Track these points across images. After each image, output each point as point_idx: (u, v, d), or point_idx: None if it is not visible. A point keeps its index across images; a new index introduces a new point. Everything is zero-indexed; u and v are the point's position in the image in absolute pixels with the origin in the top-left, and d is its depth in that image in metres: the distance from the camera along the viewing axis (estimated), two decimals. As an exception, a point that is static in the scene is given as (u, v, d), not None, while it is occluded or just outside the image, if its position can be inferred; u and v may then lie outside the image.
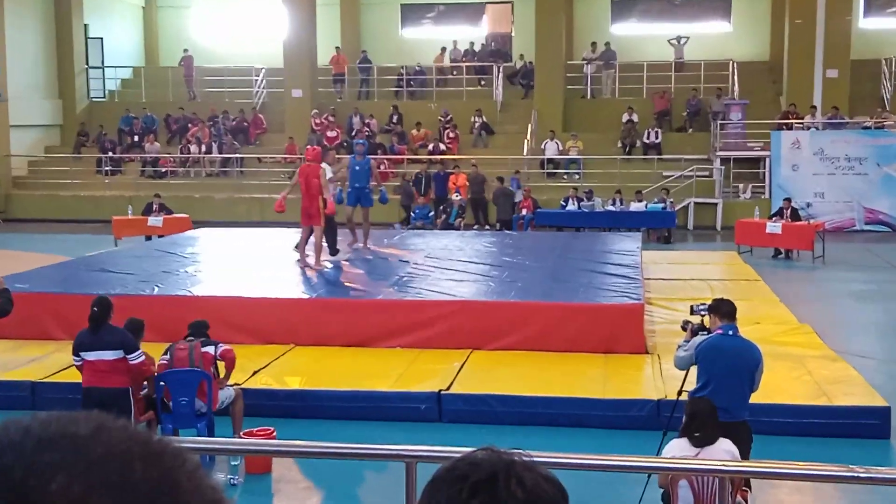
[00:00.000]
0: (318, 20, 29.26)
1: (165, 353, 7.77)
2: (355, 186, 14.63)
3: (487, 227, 23.31)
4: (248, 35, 33.63)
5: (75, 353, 7.64)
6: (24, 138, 28.77)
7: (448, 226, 22.12)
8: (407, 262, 13.90)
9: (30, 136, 29.14)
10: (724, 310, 6.51)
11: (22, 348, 10.48)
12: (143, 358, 7.54)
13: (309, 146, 13.58)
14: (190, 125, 28.96)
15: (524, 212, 22.41)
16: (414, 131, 27.88)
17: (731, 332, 6.42)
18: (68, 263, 14.44)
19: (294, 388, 9.19)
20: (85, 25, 30.92)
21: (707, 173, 24.78)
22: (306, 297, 11.29)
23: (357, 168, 14.43)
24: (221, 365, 7.98)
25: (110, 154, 28.20)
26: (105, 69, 32.37)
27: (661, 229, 22.04)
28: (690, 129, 26.88)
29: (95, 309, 7.60)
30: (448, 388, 8.89)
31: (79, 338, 7.68)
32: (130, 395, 7.56)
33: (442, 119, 28.04)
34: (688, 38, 29.78)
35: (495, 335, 10.38)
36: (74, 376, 8.18)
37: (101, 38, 32.19)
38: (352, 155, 15.18)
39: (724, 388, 6.25)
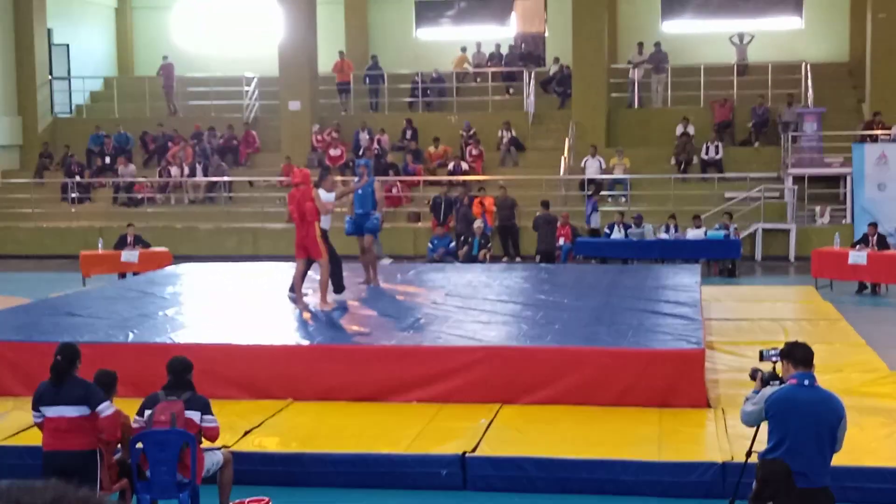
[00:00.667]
0: (319, 21, 29.54)
1: (140, 413, 7.78)
2: (357, 213, 14.71)
3: (518, 258, 23.33)
4: (237, 39, 34.00)
5: (35, 407, 7.69)
6: (-22, 161, 29.11)
7: (472, 258, 22.14)
8: (425, 301, 13.89)
9: (-16, 158, 29.48)
10: (798, 355, 6.48)
11: (-25, 406, 10.52)
12: (113, 409, 7.57)
13: (295, 167, 13.72)
14: (170, 144, 29.22)
15: (562, 241, 22.43)
16: (431, 148, 28.01)
17: (807, 382, 6.37)
18: (28, 306, 14.51)
19: (292, 451, 9.17)
20: (48, 30, 31.34)
21: (777, 194, 24.74)
22: (306, 343, 11.30)
23: (360, 192, 14.54)
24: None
25: (77, 178, 28.46)
26: (71, 80, 32.77)
27: (724, 261, 21.98)
28: (757, 143, 26.88)
29: (59, 357, 7.65)
30: (474, 450, 8.85)
31: (39, 390, 7.74)
32: (98, 458, 7.57)
33: (464, 134, 28.17)
34: (752, 36, 29.86)
35: (529, 387, 10.34)
36: (37, 438, 8.21)
37: (67, 45, 32.61)
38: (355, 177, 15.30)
39: (800, 448, 6.20)
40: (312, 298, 13.59)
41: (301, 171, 13.45)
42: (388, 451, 8.94)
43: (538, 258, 21.34)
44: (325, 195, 13.59)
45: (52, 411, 7.57)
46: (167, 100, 31.63)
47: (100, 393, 7.59)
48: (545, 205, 22.70)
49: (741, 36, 29.84)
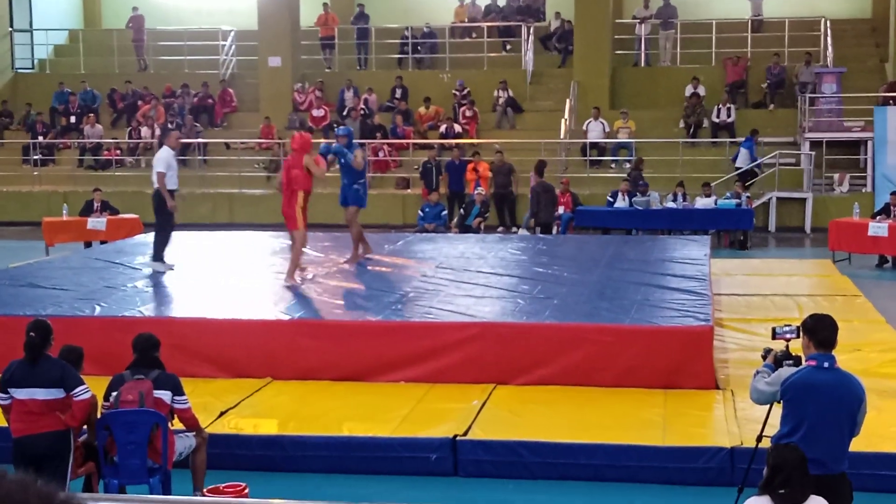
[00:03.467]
0: (302, -30, 29.37)
1: (107, 398, 7.76)
2: (343, 183, 14.60)
3: (515, 229, 23.31)
4: (213, -11, 33.79)
5: (2, 388, 7.64)
6: (-67, 120, 28.96)
7: (465, 228, 22.12)
8: (414, 273, 13.90)
9: (-60, 117, 29.34)
10: (821, 336, 6.46)
11: (-71, 384, 10.50)
12: (90, 394, 7.55)
13: (297, 133, 13.74)
14: (140, 102, 29.12)
15: (561, 210, 22.38)
16: (422, 109, 27.95)
17: (826, 365, 6.38)
18: (-12, 277, 14.49)
19: (271, 434, 9.19)
20: (9, -22, 31.12)
21: (793, 160, 24.74)
22: (286, 318, 11.30)
23: (342, 161, 14.44)
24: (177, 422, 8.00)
25: (40, 139, 28.34)
26: (34, 33, 32.58)
27: (736, 232, 22.01)
28: (772, 105, 26.86)
29: (32, 334, 7.59)
30: (465, 434, 8.87)
31: (9, 370, 7.67)
32: (71, 439, 7.57)
33: (457, 93, 28.10)
34: (768, -11, 29.76)
35: (525, 366, 10.36)
36: (-2, 420, 8.21)
37: (29, -6, 32.41)
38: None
39: (818, 434, 6.21)
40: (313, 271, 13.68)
41: (300, 136, 13.43)
42: (374, 435, 8.97)
43: (538, 230, 21.12)
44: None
45: (22, 393, 7.50)
46: (137, 55, 31.48)
47: (76, 375, 7.55)
48: (539, 171, 21.49)
49: (756, -11, 29.74)
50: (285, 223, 13.43)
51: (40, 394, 7.44)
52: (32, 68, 32.60)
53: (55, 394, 7.46)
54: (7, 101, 30.27)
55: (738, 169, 24.02)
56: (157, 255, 14.26)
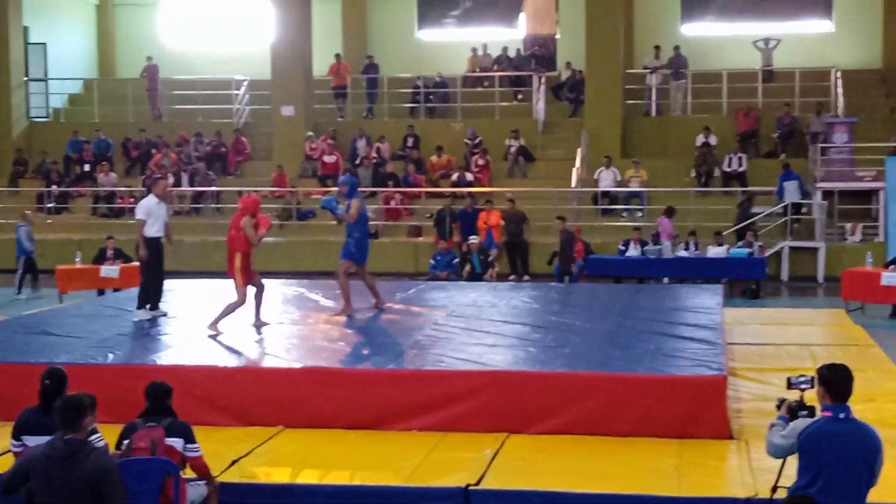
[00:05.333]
0: (315, 20, 29.67)
1: (118, 446, 7.74)
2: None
3: (526, 277, 23.33)
4: (227, 39, 34.11)
5: (16, 436, 7.61)
6: (-52, 168, 29.13)
7: (476, 276, 22.14)
8: (426, 321, 13.87)
9: (-45, 165, 29.52)
10: (838, 390, 6.43)
11: (-59, 431, 10.50)
12: (103, 442, 7.53)
13: (245, 194, 13.85)
14: (154, 151, 29.28)
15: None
16: (434, 157, 28.05)
17: (842, 416, 6.35)
18: (1, 324, 14.51)
19: (283, 482, 9.14)
20: (24, 28, 31.43)
21: (805, 210, 24.72)
22: (298, 366, 11.28)
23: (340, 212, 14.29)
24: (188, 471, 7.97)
25: (54, 187, 28.49)
26: (49, 82, 32.84)
27: (748, 281, 21.97)
28: (783, 155, 26.89)
29: (47, 382, 7.57)
30: (478, 483, 8.82)
31: (23, 417, 7.64)
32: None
33: (469, 142, 28.21)
34: (779, 40, 29.92)
35: (537, 415, 10.30)
36: (8, 466, 8.17)
37: (45, 44, 32.72)
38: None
39: (835, 485, 6.17)
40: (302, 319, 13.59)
41: (247, 197, 13.49)
42: (386, 483, 8.91)
43: (567, 279, 21.37)
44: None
45: (35, 441, 7.47)
46: (151, 103, 31.70)
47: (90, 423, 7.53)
48: (563, 219, 22.54)
49: (767, 40, 29.90)
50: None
51: None
52: (47, 117, 32.84)
53: None
54: (22, 149, 30.44)
55: (784, 204, 24.05)
56: (140, 303, 14.32)
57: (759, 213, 24.26)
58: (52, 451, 6.75)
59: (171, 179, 27.99)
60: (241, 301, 13.24)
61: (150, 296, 14.37)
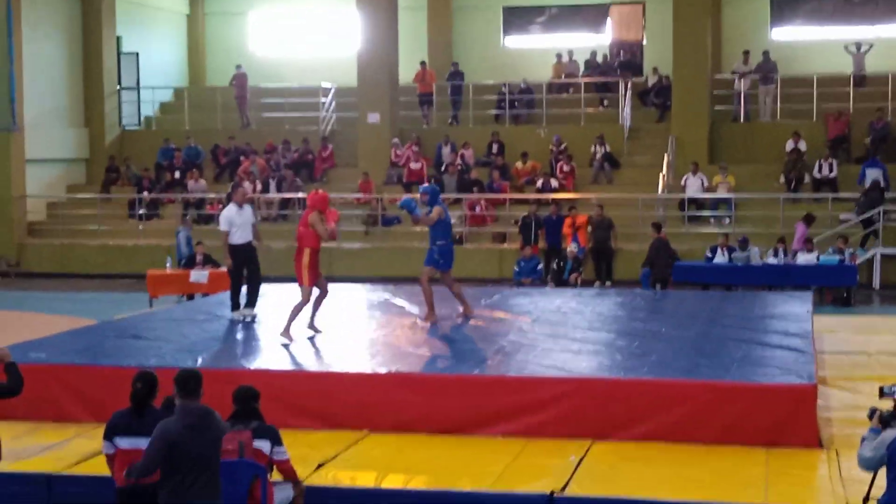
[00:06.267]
0: (401, 28, 29.80)
1: (109, 436, 7.80)
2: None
3: (609, 283, 23.23)
4: (314, 47, 34.44)
5: (108, 437, 7.72)
6: (43, 175, 29.81)
7: (562, 282, 22.08)
8: (510, 328, 13.87)
9: (49, 172, 30.20)
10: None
11: (35, 433, 10.71)
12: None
13: (312, 190, 13.97)
14: (242, 158, 29.62)
15: (659, 265, 22.26)
16: (519, 164, 28.03)
17: (934, 424, 6.24)
18: (93, 328, 14.78)
19: (368, 486, 9.19)
20: (117, 38, 32.06)
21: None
22: (383, 371, 11.34)
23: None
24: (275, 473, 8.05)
25: (146, 194, 28.97)
26: (140, 91, 33.43)
27: (839, 288, 21.63)
28: (884, 184, 26.33)
29: (139, 385, 7.69)
30: (563, 490, 8.79)
31: (115, 418, 7.75)
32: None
33: (554, 148, 28.14)
34: (871, 44, 29.39)
35: (623, 422, 10.26)
36: (100, 468, 8.31)
37: (137, 54, 33.30)
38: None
39: (926, 495, 6.06)
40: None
41: (315, 194, 13.50)
42: (471, 489, 8.92)
43: (658, 287, 21.21)
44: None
45: (126, 443, 7.57)
46: (240, 111, 32.08)
47: None
48: (658, 227, 22.25)
49: (858, 44, 29.37)
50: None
51: (145, 444, 7.49)
52: (139, 125, 33.41)
53: None
54: (114, 156, 31.00)
55: (866, 191, 23.96)
56: (233, 307, 14.76)
57: (850, 221, 23.87)
58: (190, 418, 7.08)
59: (247, 185, 28.28)
60: (306, 300, 13.25)
61: (241, 298, 14.75)
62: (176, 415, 7.10)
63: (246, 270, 14.70)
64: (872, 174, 24.37)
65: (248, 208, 14.75)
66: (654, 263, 21.60)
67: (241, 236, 14.47)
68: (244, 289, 14.82)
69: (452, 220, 15.13)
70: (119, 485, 7.63)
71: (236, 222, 14.41)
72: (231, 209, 14.50)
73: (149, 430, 7.34)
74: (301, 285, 13.29)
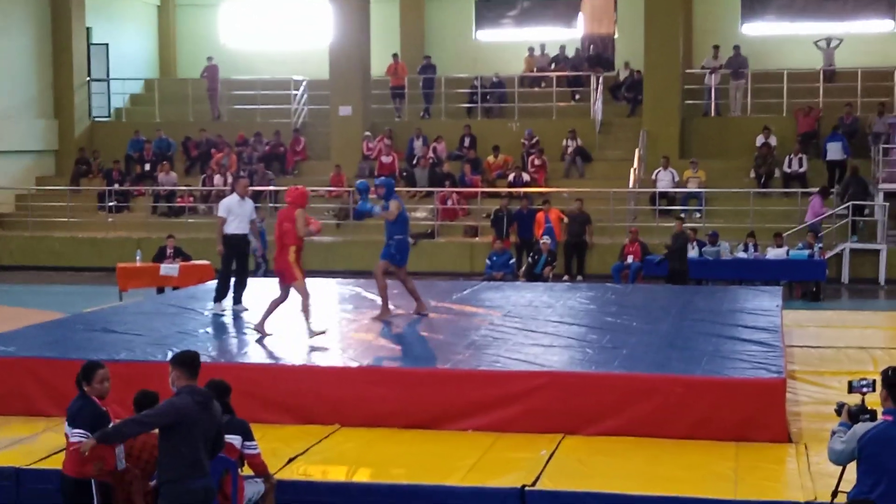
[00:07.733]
0: (373, 21, 29.77)
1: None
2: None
3: (580, 277, 23.28)
4: (286, 39, 34.34)
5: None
6: (11, 166, 29.63)
7: (533, 277, 22.09)
8: (481, 322, 13.87)
9: (18, 163, 30.01)
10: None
11: (4, 427, 10.66)
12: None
13: (291, 186, 13.91)
14: (214, 150, 29.51)
15: (630, 259, 22.30)
16: (491, 157, 28.05)
17: (903, 418, 6.28)
18: (62, 321, 14.68)
19: (339, 481, 9.19)
20: (87, 29, 31.88)
21: (867, 211, 24.42)
22: (354, 365, 11.33)
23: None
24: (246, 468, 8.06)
25: (116, 186, 28.82)
26: (110, 82, 33.24)
27: (808, 283, 21.74)
28: (845, 156, 26.55)
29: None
30: (534, 484, 8.81)
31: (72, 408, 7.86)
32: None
33: (526, 142, 28.18)
34: (840, 39, 29.59)
35: (594, 417, 10.28)
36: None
37: (107, 45, 33.12)
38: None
39: (897, 490, 6.11)
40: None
41: (295, 189, 13.27)
42: (441, 483, 8.93)
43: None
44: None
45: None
46: (211, 103, 31.97)
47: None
48: (681, 219, 22.40)
49: (828, 39, 29.57)
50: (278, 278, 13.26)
51: None
52: (109, 116, 33.25)
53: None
54: (84, 148, 30.83)
55: (829, 163, 24.80)
56: (217, 297, 14.91)
57: (820, 215, 24.01)
58: (199, 397, 7.24)
59: (217, 178, 28.20)
60: (308, 294, 13.06)
61: (228, 291, 14.81)
62: (185, 393, 7.21)
63: (235, 264, 14.86)
64: (833, 147, 25.05)
65: (248, 202, 14.95)
66: (673, 256, 21.10)
67: (237, 227, 14.67)
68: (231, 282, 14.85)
69: (424, 214, 15.15)
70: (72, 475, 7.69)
71: (235, 212, 14.60)
72: (232, 198, 14.77)
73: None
74: (293, 282, 13.01)
